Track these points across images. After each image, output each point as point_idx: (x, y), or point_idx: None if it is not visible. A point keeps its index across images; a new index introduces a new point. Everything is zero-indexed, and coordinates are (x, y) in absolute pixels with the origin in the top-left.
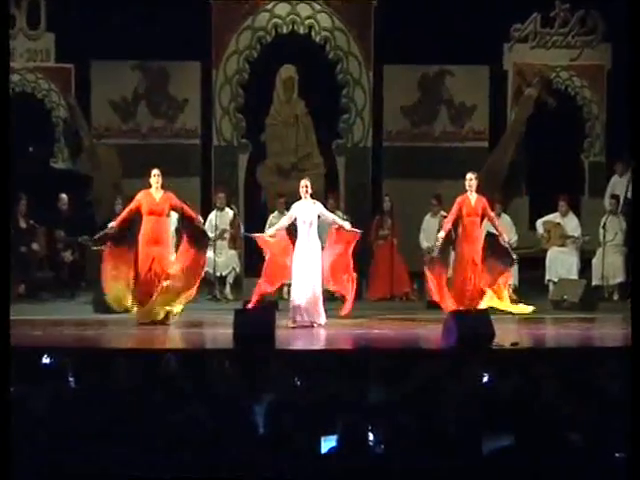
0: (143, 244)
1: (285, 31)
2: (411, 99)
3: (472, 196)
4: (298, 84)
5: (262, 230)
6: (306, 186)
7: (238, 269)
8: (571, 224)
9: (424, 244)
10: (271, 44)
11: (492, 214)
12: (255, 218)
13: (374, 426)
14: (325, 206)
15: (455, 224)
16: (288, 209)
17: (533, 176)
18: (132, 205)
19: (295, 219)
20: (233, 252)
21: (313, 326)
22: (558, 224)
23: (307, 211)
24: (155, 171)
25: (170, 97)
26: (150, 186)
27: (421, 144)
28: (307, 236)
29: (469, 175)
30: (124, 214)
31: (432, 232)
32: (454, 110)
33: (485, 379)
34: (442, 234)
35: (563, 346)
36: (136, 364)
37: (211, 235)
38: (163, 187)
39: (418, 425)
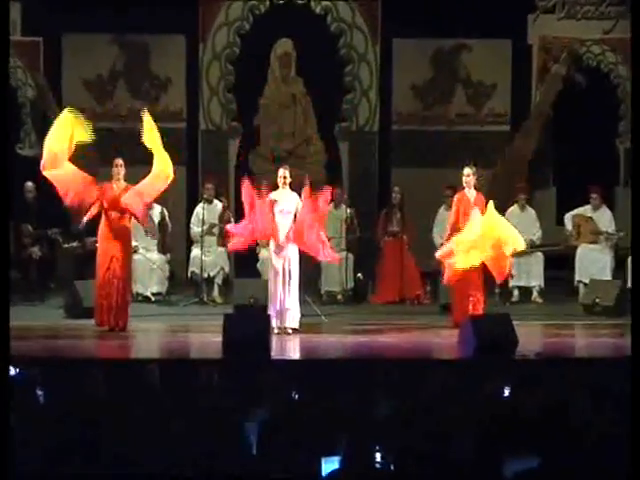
0: (102, 242)
1: (281, 0)
2: (423, 77)
3: (470, 193)
4: (296, 60)
5: None
6: (284, 177)
7: (227, 269)
8: (604, 218)
9: (437, 240)
10: (265, 15)
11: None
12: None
13: (381, 445)
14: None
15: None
16: None
17: (561, 164)
18: (97, 199)
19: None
20: (222, 250)
21: (288, 333)
22: (589, 218)
23: (286, 200)
24: (118, 161)
25: (151, 75)
26: (112, 177)
27: (434, 128)
28: (285, 229)
29: (467, 170)
30: (94, 211)
31: (446, 227)
32: (472, 89)
33: (506, 393)
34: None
35: (595, 356)
36: (113, 376)
37: (198, 230)
38: (126, 179)
39: (431, 444)
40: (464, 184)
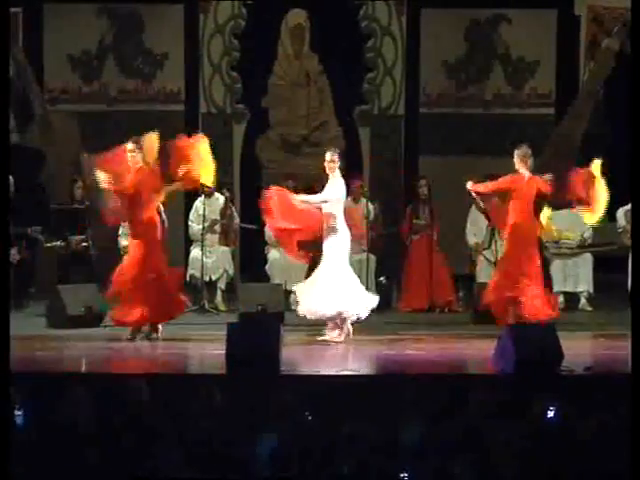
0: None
1: None
2: (456, 53)
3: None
4: (310, 34)
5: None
6: (333, 161)
7: (231, 271)
8: None
9: (471, 240)
10: None
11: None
12: (253, 206)
13: (411, 475)
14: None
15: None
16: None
17: (614, 151)
18: None
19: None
20: (225, 250)
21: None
22: None
23: (332, 188)
24: (130, 145)
25: (145, 51)
26: None
27: (469, 110)
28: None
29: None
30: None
31: (482, 224)
32: (511, 67)
33: (551, 414)
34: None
35: None
36: (99, 393)
37: (198, 228)
38: None
39: (467, 474)
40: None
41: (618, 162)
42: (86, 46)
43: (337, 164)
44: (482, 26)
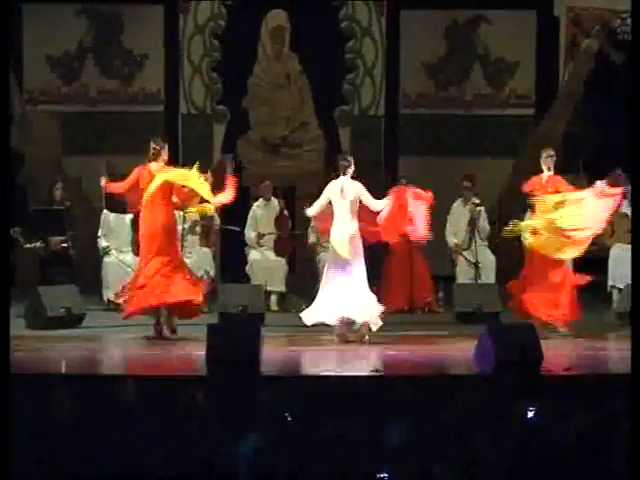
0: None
1: None
2: (436, 54)
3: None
4: (290, 34)
5: (242, 223)
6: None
7: (212, 272)
8: None
9: (451, 240)
10: None
11: None
12: (234, 207)
13: (392, 476)
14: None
15: None
16: (276, 195)
17: (593, 152)
18: None
19: (330, 203)
20: (206, 251)
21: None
22: (625, 215)
23: (347, 192)
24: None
25: (125, 51)
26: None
27: (448, 111)
28: (347, 224)
29: (548, 152)
30: None
31: (462, 224)
32: (491, 68)
33: (530, 414)
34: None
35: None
36: (80, 394)
37: (179, 229)
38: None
39: (449, 475)
40: (544, 168)
41: (597, 162)
42: (66, 46)
43: None
44: (462, 27)
